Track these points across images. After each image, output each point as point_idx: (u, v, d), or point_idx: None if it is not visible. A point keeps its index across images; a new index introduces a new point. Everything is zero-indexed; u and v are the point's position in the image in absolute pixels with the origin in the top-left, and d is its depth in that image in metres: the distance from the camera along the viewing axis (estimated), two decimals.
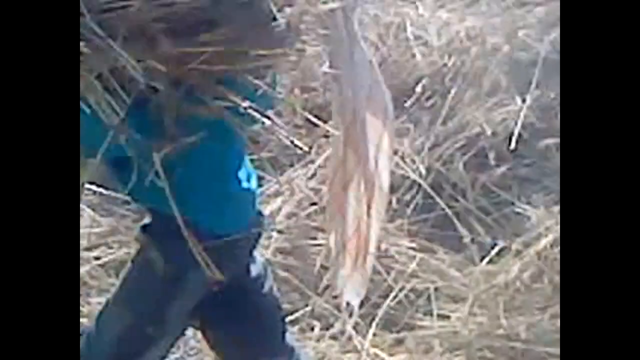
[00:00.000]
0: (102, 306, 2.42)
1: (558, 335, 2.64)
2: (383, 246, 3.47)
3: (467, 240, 3.61)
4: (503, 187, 3.82)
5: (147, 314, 2.30)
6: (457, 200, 3.79)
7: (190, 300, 2.33)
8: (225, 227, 2.21)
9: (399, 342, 3.19)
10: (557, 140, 3.81)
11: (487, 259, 3.49)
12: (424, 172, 3.86)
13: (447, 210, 3.69)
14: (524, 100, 4.05)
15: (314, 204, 3.71)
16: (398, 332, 3.23)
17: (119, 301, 2.33)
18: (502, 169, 3.88)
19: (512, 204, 3.71)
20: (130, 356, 2.31)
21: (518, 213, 3.66)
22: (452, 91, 4.26)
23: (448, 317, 3.27)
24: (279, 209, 3.67)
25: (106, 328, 2.34)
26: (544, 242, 3.44)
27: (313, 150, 4.03)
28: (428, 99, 4.29)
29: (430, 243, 3.61)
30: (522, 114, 3.95)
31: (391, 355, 3.12)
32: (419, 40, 4.59)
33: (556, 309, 3.16)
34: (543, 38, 4.42)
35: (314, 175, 3.90)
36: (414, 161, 3.92)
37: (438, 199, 3.73)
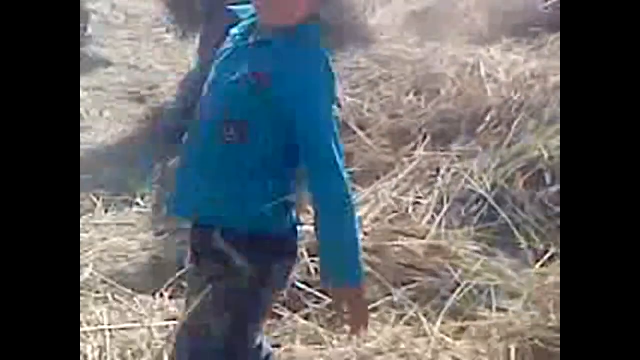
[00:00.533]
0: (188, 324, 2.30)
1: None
2: (453, 248, 3.63)
3: (524, 246, 3.72)
4: (556, 202, 3.86)
5: (246, 314, 2.28)
6: (516, 212, 3.87)
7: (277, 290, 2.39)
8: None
9: (463, 329, 3.27)
10: None
11: (540, 263, 3.58)
12: (489, 187, 3.99)
13: (508, 220, 3.82)
14: None
15: (395, 211, 3.85)
16: (462, 321, 3.30)
17: (211, 311, 2.24)
18: (557, 187, 3.93)
19: None
20: (239, 348, 2.28)
21: None
22: (517, 121, 4.37)
23: (505, 310, 3.34)
24: (366, 214, 3.79)
25: (206, 337, 2.25)
26: None
27: (397, 166, 4.29)
28: (495, 126, 4.43)
29: (492, 247, 3.72)
30: None
31: (456, 340, 3.19)
32: (490, 78, 4.79)
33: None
34: None
35: (396, 187, 4.08)
36: (481, 178, 4.06)
37: (500, 211, 3.87)
